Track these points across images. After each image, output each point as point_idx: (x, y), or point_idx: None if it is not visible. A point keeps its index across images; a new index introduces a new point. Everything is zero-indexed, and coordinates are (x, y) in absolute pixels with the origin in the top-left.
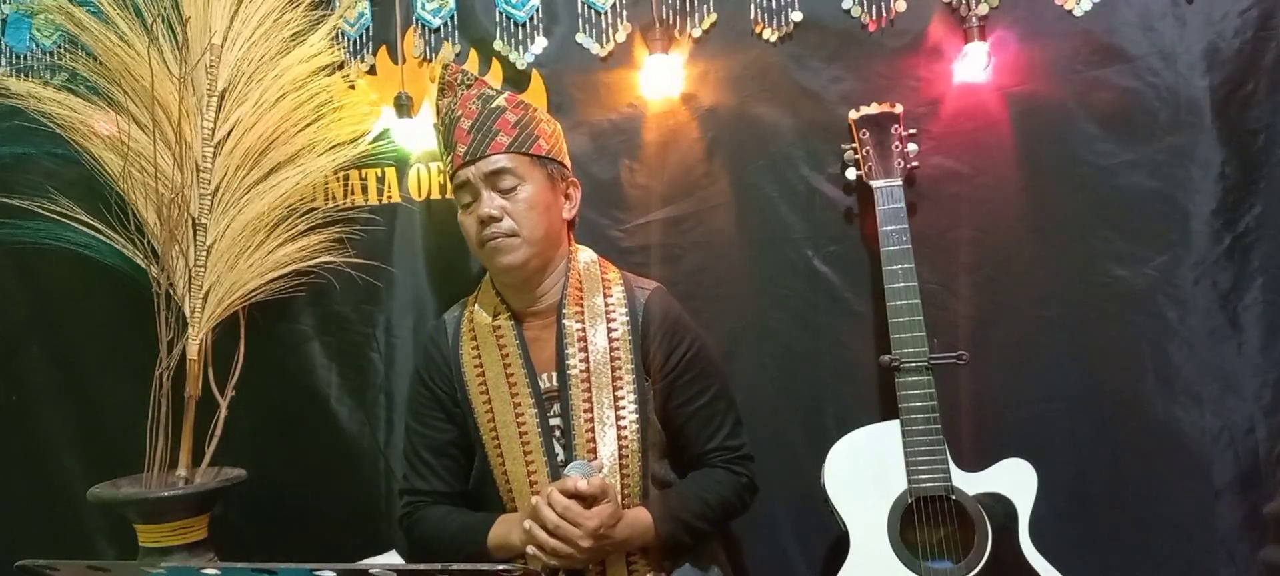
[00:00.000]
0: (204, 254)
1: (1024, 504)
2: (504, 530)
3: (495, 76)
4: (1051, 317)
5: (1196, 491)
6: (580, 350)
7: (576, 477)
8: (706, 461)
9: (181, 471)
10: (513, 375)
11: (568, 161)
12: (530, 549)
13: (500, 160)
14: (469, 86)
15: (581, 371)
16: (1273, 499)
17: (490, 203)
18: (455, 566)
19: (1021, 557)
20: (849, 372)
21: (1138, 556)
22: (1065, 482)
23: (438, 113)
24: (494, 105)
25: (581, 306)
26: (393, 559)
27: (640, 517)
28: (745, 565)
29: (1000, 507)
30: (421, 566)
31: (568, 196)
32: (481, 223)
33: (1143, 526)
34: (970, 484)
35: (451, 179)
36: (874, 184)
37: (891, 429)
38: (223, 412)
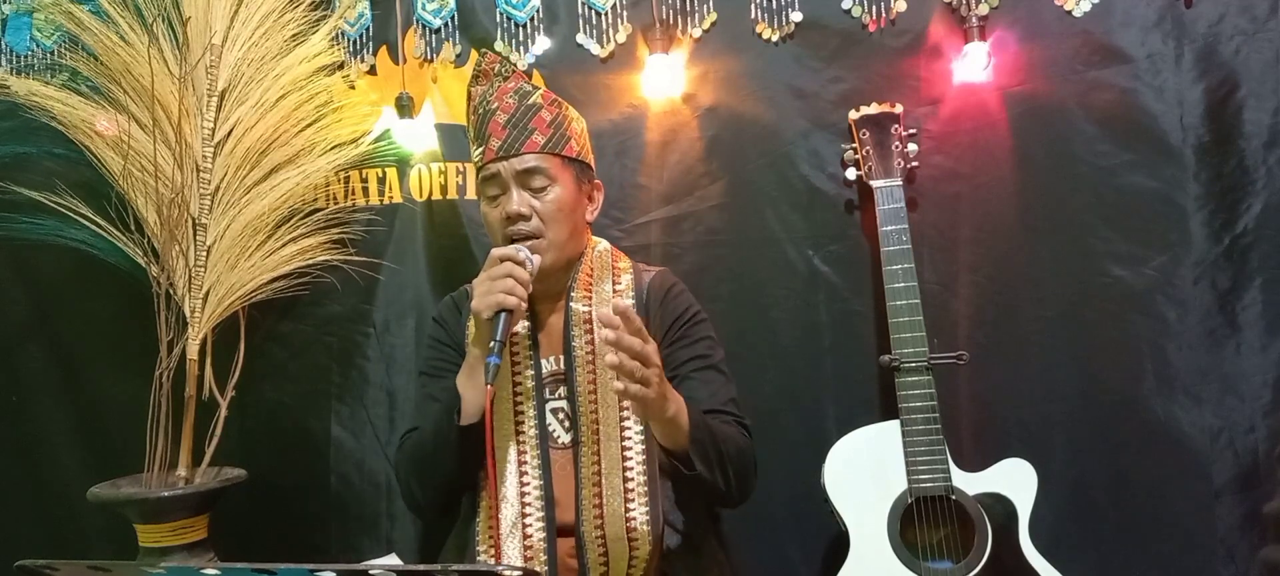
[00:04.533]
0: (204, 254)
1: (1024, 504)
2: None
3: None
4: (1051, 317)
5: (1196, 491)
6: (586, 332)
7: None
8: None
9: (181, 471)
10: (517, 357)
11: (593, 163)
12: (610, 358)
13: (534, 160)
14: (506, 78)
15: (587, 353)
16: (1273, 499)
17: (519, 200)
18: (455, 566)
19: (1021, 557)
20: (849, 372)
21: (1138, 556)
22: (1065, 482)
23: (470, 99)
24: (531, 101)
25: (589, 291)
26: (392, 559)
27: (677, 395)
28: (745, 565)
29: (1000, 507)
30: (421, 566)
31: (591, 198)
32: (508, 219)
33: (1143, 526)
34: (970, 484)
35: (479, 170)
36: (874, 184)
37: (891, 429)
38: (223, 412)
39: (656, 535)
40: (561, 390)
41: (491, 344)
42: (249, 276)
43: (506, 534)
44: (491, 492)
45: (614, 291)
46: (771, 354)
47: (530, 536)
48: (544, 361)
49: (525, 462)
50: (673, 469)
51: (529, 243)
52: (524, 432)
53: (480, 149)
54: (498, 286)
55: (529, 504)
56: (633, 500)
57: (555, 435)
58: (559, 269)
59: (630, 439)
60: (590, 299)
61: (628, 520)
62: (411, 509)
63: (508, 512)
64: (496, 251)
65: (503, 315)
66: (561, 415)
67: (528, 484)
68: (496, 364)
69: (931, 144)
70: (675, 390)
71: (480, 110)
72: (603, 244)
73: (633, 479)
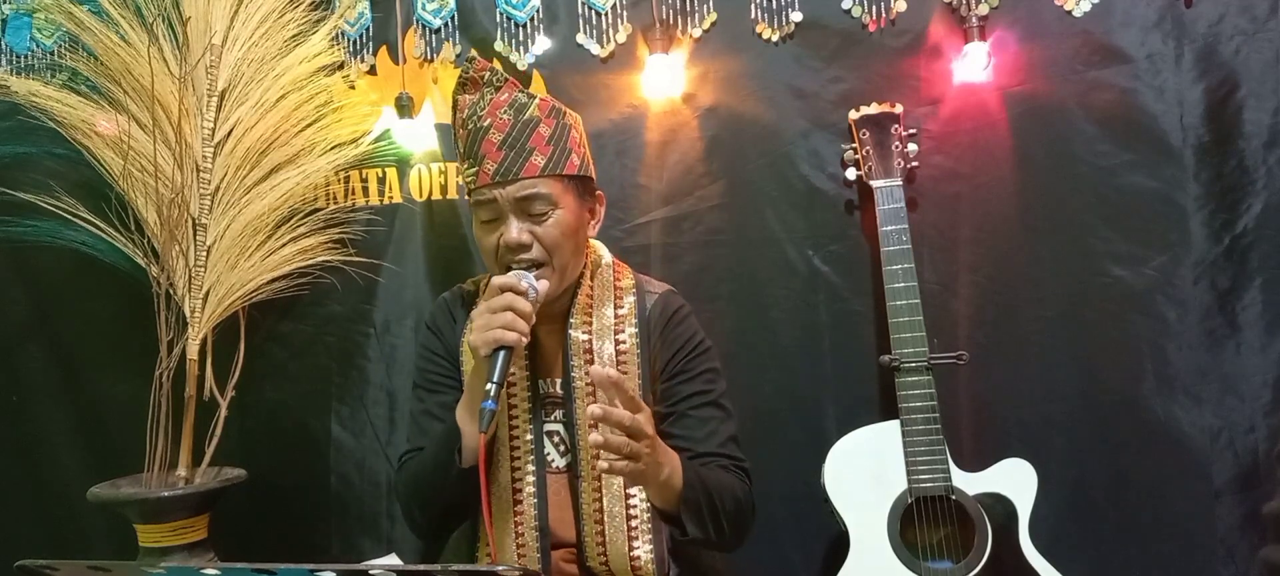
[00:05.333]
0: (204, 254)
1: (1024, 504)
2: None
3: None
4: (1051, 318)
5: (1196, 491)
6: (586, 362)
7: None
8: (710, 464)
9: (181, 471)
10: (514, 377)
11: (594, 172)
12: (594, 437)
13: (533, 186)
14: (498, 88)
15: (586, 384)
16: (1273, 499)
17: (518, 230)
18: (455, 566)
19: (1021, 557)
20: (849, 372)
21: (1138, 556)
22: (1065, 482)
23: (458, 109)
24: (527, 116)
25: (590, 317)
26: (392, 559)
27: (671, 454)
28: (745, 565)
29: (1000, 507)
30: (421, 566)
31: (593, 213)
32: (508, 248)
33: (1143, 526)
34: (970, 484)
35: (471, 191)
36: (874, 184)
37: (891, 429)
38: (223, 412)
39: (661, 569)
40: (557, 413)
41: (488, 387)
42: (249, 276)
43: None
44: (490, 534)
45: (616, 316)
46: (771, 354)
47: (525, 559)
48: (541, 382)
49: (520, 488)
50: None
51: (532, 270)
52: (519, 456)
53: (473, 169)
54: (497, 320)
55: (522, 529)
56: (636, 537)
57: (549, 458)
58: (561, 292)
59: None
60: (590, 326)
61: (632, 558)
62: (412, 529)
63: (503, 540)
64: (497, 280)
65: (502, 352)
66: (556, 438)
67: (521, 509)
68: (493, 409)
69: (931, 144)
70: (671, 433)
71: (471, 125)
72: (606, 257)
73: (636, 515)
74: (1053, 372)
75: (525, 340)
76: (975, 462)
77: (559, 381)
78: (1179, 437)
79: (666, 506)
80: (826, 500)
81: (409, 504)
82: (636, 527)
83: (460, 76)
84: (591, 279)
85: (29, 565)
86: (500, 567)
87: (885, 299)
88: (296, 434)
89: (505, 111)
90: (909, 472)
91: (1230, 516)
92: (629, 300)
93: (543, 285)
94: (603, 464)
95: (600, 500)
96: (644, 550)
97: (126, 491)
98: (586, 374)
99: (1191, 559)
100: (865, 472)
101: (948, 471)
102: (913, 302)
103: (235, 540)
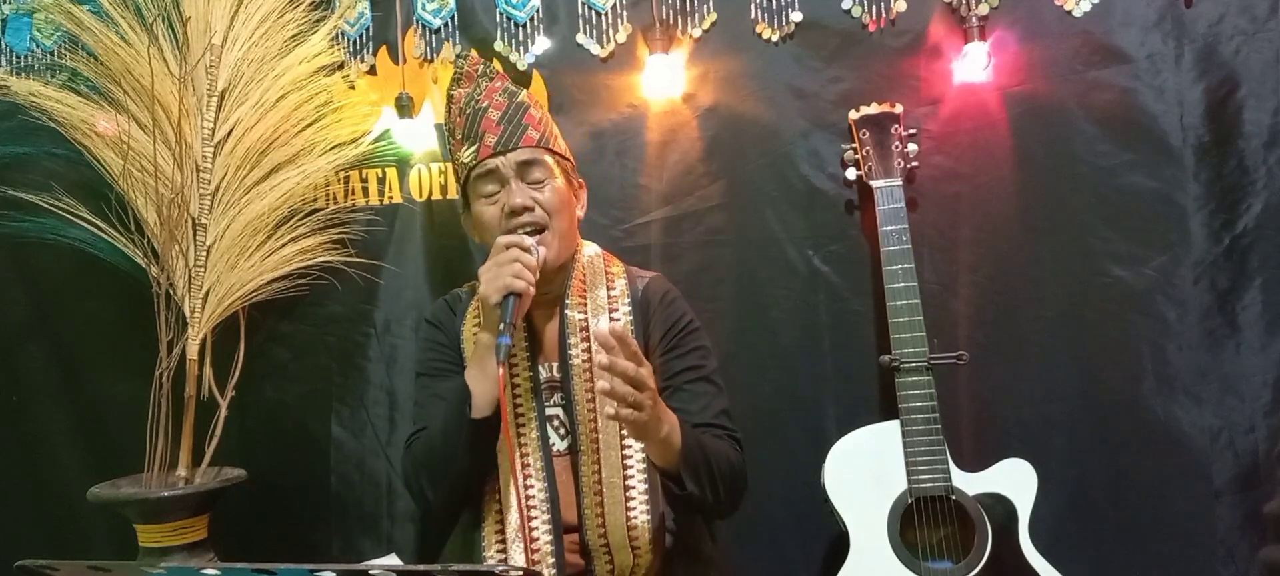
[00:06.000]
0: (204, 254)
1: (1024, 504)
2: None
3: None
4: (1051, 317)
5: (1196, 491)
6: (583, 340)
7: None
8: (705, 434)
9: (181, 471)
10: (515, 363)
11: (573, 161)
12: (602, 384)
13: (532, 153)
14: (492, 78)
15: (583, 362)
16: (1273, 499)
17: (521, 193)
18: (455, 566)
19: (1021, 557)
20: (849, 372)
21: (1138, 556)
22: (1065, 482)
23: (454, 102)
24: (520, 100)
25: (584, 298)
26: (392, 559)
27: (670, 414)
28: (745, 565)
29: (1000, 507)
30: (421, 566)
31: (577, 197)
32: (513, 212)
33: (1143, 526)
34: (970, 484)
35: (472, 170)
36: (874, 184)
37: (891, 429)
38: (223, 412)
39: (659, 539)
40: (557, 397)
41: (501, 326)
42: (249, 276)
43: (512, 539)
44: (516, 483)
45: (609, 297)
46: (771, 354)
47: (537, 541)
48: (539, 368)
49: (527, 468)
50: (664, 485)
51: (534, 235)
52: (525, 438)
53: (473, 148)
54: (506, 271)
55: (534, 508)
56: (633, 506)
57: (551, 442)
58: (557, 268)
59: (630, 446)
60: (585, 306)
61: (629, 526)
62: (422, 512)
63: (512, 518)
64: (503, 239)
65: (511, 299)
66: (557, 422)
67: (532, 489)
68: (508, 344)
69: (931, 144)
70: (667, 407)
71: (469, 110)
72: (592, 248)
73: (633, 486)
74: (1053, 372)
75: (532, 291)
76: (975, 462)
77: (556, 364)
78: (1179, 437)
79: (665, 464)
80: (826, 500)
81: (418, 480)
82: (634, 499)
83: (454, 72)
84: (582, 265)
85: (29, 565)
86: (500, 567)
87: (885, 299)
88: (296, 434)
89: (501, 95)
90: (909, 472)
91: (1230, 516)
92: (620, 282)
93: (543, 250)
94: (609, 409)
95: (599, 472)
96: (640, 518)
97: (126, 491)
98: (584, 352)
99: (1191, 559)
100: (865, 472)
101: (948, 471)
102: (913, 303)
103: (235, 540)
